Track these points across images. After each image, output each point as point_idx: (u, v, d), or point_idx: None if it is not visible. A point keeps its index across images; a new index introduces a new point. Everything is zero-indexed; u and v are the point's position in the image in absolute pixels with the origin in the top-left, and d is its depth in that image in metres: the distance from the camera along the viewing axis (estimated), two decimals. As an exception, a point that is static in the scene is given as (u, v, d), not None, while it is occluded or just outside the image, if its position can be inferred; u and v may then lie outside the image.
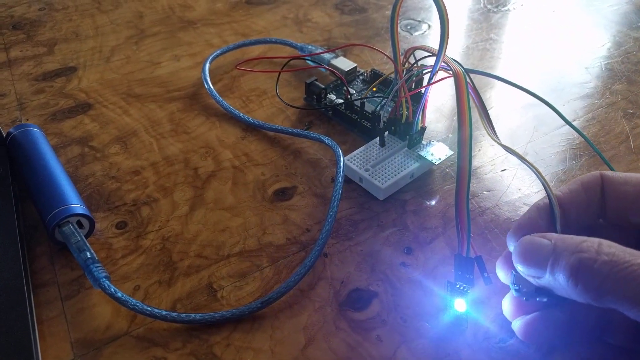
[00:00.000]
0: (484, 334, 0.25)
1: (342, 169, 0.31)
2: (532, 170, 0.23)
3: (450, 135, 0.36)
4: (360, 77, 0.41)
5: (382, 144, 0.33)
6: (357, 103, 0.36)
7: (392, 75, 0.37)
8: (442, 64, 0.27)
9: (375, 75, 0.40)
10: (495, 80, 0.41)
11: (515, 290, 0.23)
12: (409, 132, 0.32)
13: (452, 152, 0.32)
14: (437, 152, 0.32)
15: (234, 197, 0.32)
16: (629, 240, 0.24)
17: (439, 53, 0.27)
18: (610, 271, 0.18)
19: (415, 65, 0.32)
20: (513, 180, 0.33)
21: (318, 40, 0.46)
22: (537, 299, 0.22)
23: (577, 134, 0.36)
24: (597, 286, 0.18)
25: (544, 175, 0.32)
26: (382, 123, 0.33)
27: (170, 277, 0.27)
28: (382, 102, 0.35)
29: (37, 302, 0.26)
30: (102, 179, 0.33)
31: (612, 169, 0.30)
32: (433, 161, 0.32)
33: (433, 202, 0.32)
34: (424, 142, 0.33)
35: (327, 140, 0.33)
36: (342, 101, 0.37)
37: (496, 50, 0.46)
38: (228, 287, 0.27)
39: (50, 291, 0.27)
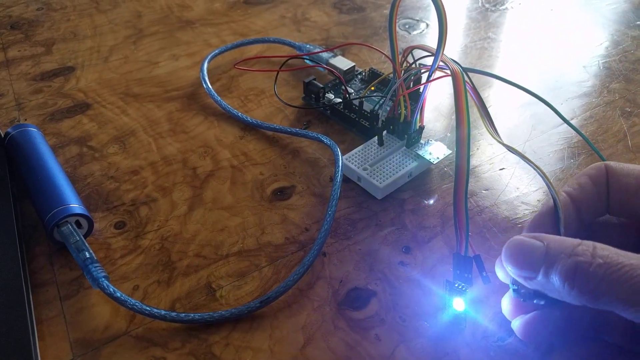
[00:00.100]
0: (482, 333, 0.25)
1: (340, 168, 0.31)
2: (537, 172, 0.23)
3: (449, 134, 0.36)
4: (359, 77, 0.41)
5: (381, 143, 0.33)
6: (356, 102, 0.36)
7: (391, 75, 0.37)
8: (440, 63, 0.27)
9: (373, 74, 0.40)
10: (493, 79, 0.41)
11: (514, 290, 0.23)
12: (407, 132, 0.32)
13: (450, 152, 0.33)
14: (436, 151, 0.32)
15: (232, 196, 0.32)
16: (630, 233, 0.24)
17: (437, 52, 0.27)
18: (604, 273, 0.18)
19: (413, 64, 0.32)
20: (511, 179, 0.33)
21: (316, 40, 0.46)
22: (535, 301, 0.22)
23: (575, 132, 0.36)
24: (592, 289, 0.18)
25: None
26: (380, 122, 0.33)
27: (169, 277, 0.27)
28: (381, 102, 0.35)
29: (36, 302, 0.26)
30: (101, 178, 0.33)
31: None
32: (431, 160, 0.32)
33: (431, 201, 0.32)
34: (422, 141, 0.33)
35: (325, 139, 0.33)
36: (341, 100, 0.37)
37: (494, 49, 0.46)
38: (227, 286, 0.27)
39: (49, 291, 0.27)
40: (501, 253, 0.23)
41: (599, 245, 0.19)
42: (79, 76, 0.42)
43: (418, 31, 0.49)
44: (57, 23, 0.48)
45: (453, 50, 0.46)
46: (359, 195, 0.32)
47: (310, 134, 0.34)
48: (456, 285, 0.24)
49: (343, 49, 0.45)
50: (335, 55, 0.41)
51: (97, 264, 0.25)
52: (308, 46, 0.43)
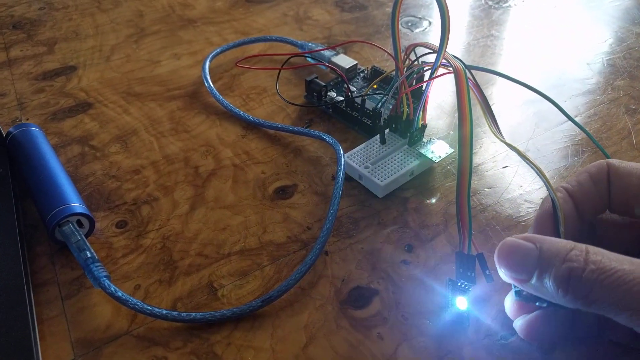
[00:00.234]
0: (485, 332, 0.25)
1: (342, 166, 0.31)
2: (535, 171, 0.23)
3: (452, 133, 0.36)
4: (361, 75, 0.40)
5: (383, 141, 0.33)
6: (358, 100, 0.36)
7: (393, 73, 0.37)
8: (443, 60, 0.27)
9: (375, 72, 0.40)
10: (496, 77, 0.41)
11: (516, 292, 0.22)
12: (409, 130, 0.32)
13: (452, 150, 0.32)
14: (438, 150, 0.32)
15: (234, 195, 0.32)
16: (633, 232, 0.23)
17: (440, 49, 0.27)
18: (596, 279, 0.18)
19: (415, 62, 0.32)
20: (514, 177, 0.33)
21: (318, 38, 0.46)
22: (537, 304, 0.22)
23: (578, 130, 0.35)
24: (585, 295, 0.18)
25: (546, 173, 0.32)
26: (382, 120, 0.33)
27: (170, 276, 0.27)
28: (383, 100, 0.35)
29: (37, 301, 0.26)
30: (102, 178, 0.33)
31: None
32: (433, 159, 0.32)
33: (434, 200, 0.31)
34: (424, 139, 0.33)
35: (327, 138, 0.33)
36: (343, 99, 0.37)
37: (497, 46, 0.46)
38: (229, 285, 0.27)
39: (51, 291, 0.26)
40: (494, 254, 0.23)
41: (591, 249, 0.19)
42: (81, 75, 0.42)
43: (420, 29, 0.49)
44: (59, 22, 0.48)
45: (456, 48, 0.46)
46: (361, 194, 0.32)
47: (312, 133, 0.34)
48: (459, 283, 0.24)
49: (345, 47, 0.45)
50: (337, 54, 0.41)
51: (98, 264, 0.25)
52: (310, 44, 0.43)
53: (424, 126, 0.33)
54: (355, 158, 0.32)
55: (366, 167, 0.31)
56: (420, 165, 0.32)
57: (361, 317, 0.25)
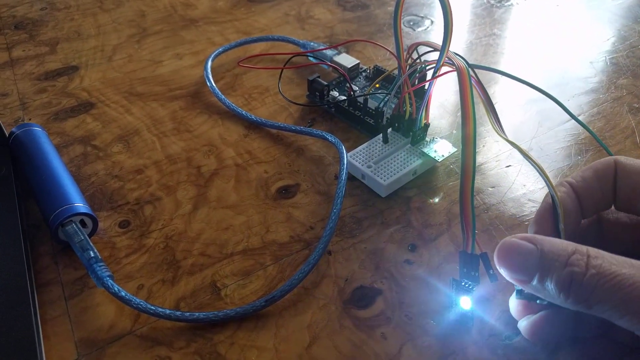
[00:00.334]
0: (489, 331, 0.25)
1: (345, 166, 0.31)
2: (535, 168, 0.22)
3: (454, 132, 0.36)
4: (363, 74, 0.40)
5: (385, 140, 0.33)
6: (360, 100, 0.36)
7: (395, 72, 0.37)
8: (446, 59, 0.27)
9: (378, 71, 0.40)
10: (499, 76, 0.41)
11: (517, 292, 0.22)
12: (412, 129, 0.32)
13: (455, 149, 0.32)
14: (441, 149, 0.32)
15: (237, 195, 0.32)
16: (637, 232, 0.23)
17: (443, 48, 0.26)
18: (597, 283, 0.18)
19: (418, 60, 0.32)
20: (518, 176, 0.33)
21: (320, 37, 0.46)
22: (538, 301, 0.22)
23: (582, 129, 0.35)
24: (586, 299, 0.18)
25: (549, 172, 0.32)
26: (385, 119, 0.33)
27: (173, 276, 0.27)
28: (385, 99, 0.35)
29: (40, 301, 0.26)
30: (105, 178, 0.33)
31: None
32: (436, 158, 0.31)
33: (437, 199, 0.31)
34: (427, 138, 0.33)
35: (330, 137, 0.33)
36: (345, 98, 0.37)
37: (499, 45, 0.46)
38: (232, 285, 0.27)
39: (54, 290, 0.26)
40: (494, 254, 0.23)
41: (592, 252, 0.18)
42: (83, 75, 0.42)
43: (422, 28, 0.49)
44: (61, 23, 0.48)
45: (458, 46, 0.46)
46: (364, 193, 0.32)
47: (314, 132, 0.34)
48: (463, 283, 0.24)
49: (347, 46, 0.45)
50: (339, 53, 0.41)
51: (101, 263, 0.25)
52: (312, 44, 0.43)
53: (427, 125, 0.33)
54: (357, 157, 0.32)
55: (369, 167, 0.31)
56: (423, 165, 0.32)
57: (365, 317, 0.25)
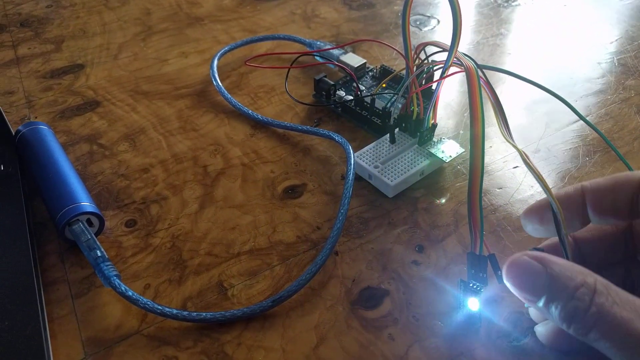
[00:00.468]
0: (497, 333, 0.25)
1: (352, 166, 0.31)
2: (535, 178, 0.22)
3: (462, 132, 0.36)
4: (370, 74, 0.40)
5: (392, 140, 0.33)
6: (367, 99, 0.36)
7: (403, 72, 0.36)
8: (454, 59, 0.27)
9: (384, 71, 0.40)
10: (505, 76, 0.41)
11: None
12: (419, 129, 0.32)
13: (463, 150, 0.32)
14: (448, 149, 0.32)
15: (243, 194, 0.32)
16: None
17: (451, 48, 0.26)
18: (596, 322, 0.18)
19: (425, 60, 0.31)
20: (525, 178, 0.32)
21: (326, 36, 0.46)
22: None
23: (590, 130, 0.35)
24: (585, 334, 0.18)
25: (556, 173, 0.32)
26: (392, 120, 0.33)
27: (180, 276, 0.27)
28: (393, 99, 0.34)
29: (47, 300, 0.26)
30: (111, 176, 0.33)
31: (628, 165, 0.29)
32: (444, 159, 0.31)
33: (444, 200, 0.31)
34: (434, 139, 0.33)
35: (337, 137, 0.33)
36: (352, 98, 0.37)
37: (506, 45, 0.45)
38: (238, 285, 0.27)
39: (61, 289, 0.26)
40: (514, 252, 0.23)
41: (599, 288, 0.19)
42: (89, 74, 0.42)
43: (429, 27, 0.48)
44: (66, 20, 0.48)
45: (465, 46, 0.45)
46: (371, 194, 0.32)
47: (321, 132, 0.34)
48: (471, 284, 0.24)
49: (354, 45, 0.44)
50: (345, 52, 0.41)
51: (108, 263, 0.25)
52: (318, 43, 0.42)
53: (434, 125, 0.32)
54: (364, 157, 0.32)
55: (376, 167, 0.31)
56: (430, 165, 0.32)
57: (372, 317, 0.25)
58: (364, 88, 0.39)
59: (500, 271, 0.23)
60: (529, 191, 0.32)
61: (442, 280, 0.27)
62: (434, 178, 0.33)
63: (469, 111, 0.24)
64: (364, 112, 0.36)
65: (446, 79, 0.29)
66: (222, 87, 0.39)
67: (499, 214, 0.30)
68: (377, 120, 0.35)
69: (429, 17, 0.50)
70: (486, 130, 0.36)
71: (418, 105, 0.32)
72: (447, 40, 0.26)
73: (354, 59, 0.40)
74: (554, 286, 0.19)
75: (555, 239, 0.24)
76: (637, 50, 0.44)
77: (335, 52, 0.41)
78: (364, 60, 0.40)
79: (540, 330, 0.23)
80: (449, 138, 0.33)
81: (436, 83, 0.30)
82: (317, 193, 0.32)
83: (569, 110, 0.29)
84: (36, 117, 0.37)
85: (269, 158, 0.34)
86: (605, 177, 0.23)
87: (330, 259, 0.28)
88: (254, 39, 0.44)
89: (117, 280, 0.25)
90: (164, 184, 0.32)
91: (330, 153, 0.34)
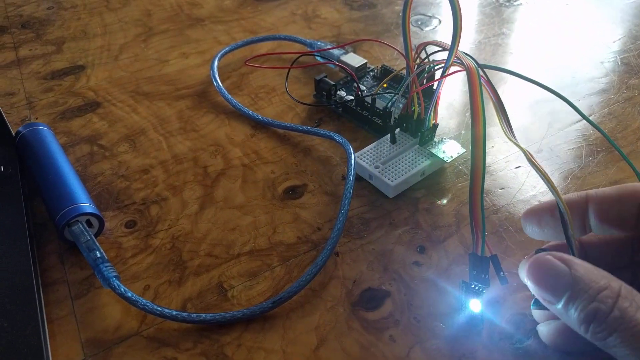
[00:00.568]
0: (499, 335, 0.24)
1: (353, 166, 0.30)
2: (541, 177, 0.22)
3: (463, 132, 0.36)
4: (371, 73, 0.40)
5: (393, 140, 0.33)
6: (368, 99, 0.35)
7: (403, 71, 0.36)
8: (454, 58, 0.26)
9: (385, 71, 0.40)
10: (506, 76, 0.40)
11: (535, 301, 0.22)
12: (420, 129, 0.32)
13: (464, 150, 0.32)
14: (449, 149, 0.32)
15: (243, 195, 0.31)
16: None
17: (452, 47, 0.26)
18: (617, 326, 0.18)
19: (426, 60, 0.31)
20: (527, 178, 0.32)
21: (327, 37, 0.46)
22: None
23: (593, 129, 0.35)
24: (604, 337, 0.18)
25: (559, 172, 0.32)
26: (393, 120, 0.33)
27: (180, 277, 0.27)
28: (393, 99, 0.34)
29: (46, 300, 0.26)
30: (111, 177, 0.33)
31: (631, 165, 0.29)
32: (445, 159, 0.31)
33: (445, 201, 0.31)
34: (435, 139, 0.33)
35: (337, 137, 0.33)
36: (353, 98, 0.36)
37: (508, 45, 0.45)
38: (239, 286, 0.27)
39: (60, 290, 0.26)
40: (517, 253, 0.23)
41: (624, 292, 0.18)
42: (89, 75, 0.42)
43: (430, 27, 0.48)
44: (67, 22, 0.48)
45: (466, 46, 0.45)
46: (372, 194, 0.31)
47: (321, 132, 0.34)
48: (472, 286, 0.24)
49: (354, 45, 0.44)
50: (346, 52, 0.41)
51: (107, 264, 0.25)
52: (319, 43, 0.42)
53: (435, 125, 0.32)
54: (365, 158, 0.32)
55: (376, 167, 0.31)
56: (431, 165, 0.32)
57: (373, 319, 0.25)
58: (364, 88, 0.38)
59: (503, 272, 0.23)
60: (531, 191, 0.31)
61: (444, 281, 0.27)
62: (435, 178, 0.32)
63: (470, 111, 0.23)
64: (364, 112, 0.36)
65: (448, 79, 0.29)
66: (223, 88, 0.39)
67: (501, 214, 0.30)
68: (377, 121, 0.35)
69: (430, 17, 0.50)
70: (488, 130, 0.36)
71: (419, 105, 0.31)
72: (448, 40, 0.26)
73: (354, 59, 0.40)
74: (577, 287, 0.19)
75: (560, 241, 0.23)
76: (640, 49, 0.44)
77: (336, 52, 0.41)
78: (365, 60, 0.40)
79: (543, 329, 0.23)
80: (450, 138, 0.33)
81: (437, 82, 0.29)
82: (317, 193, 0.32)
83: (572, 109, 0.29)
84: (37, 118, 0.37)
85: (270, 158, 0.34)
86: (611, 187, 0.23)
87: (331, 260, 0.28)
88: (255, 39, 0.44)
89: (117, 281, 0.25)
90: (164, 185, 0.32)
91: (331, 153, 0.34)
